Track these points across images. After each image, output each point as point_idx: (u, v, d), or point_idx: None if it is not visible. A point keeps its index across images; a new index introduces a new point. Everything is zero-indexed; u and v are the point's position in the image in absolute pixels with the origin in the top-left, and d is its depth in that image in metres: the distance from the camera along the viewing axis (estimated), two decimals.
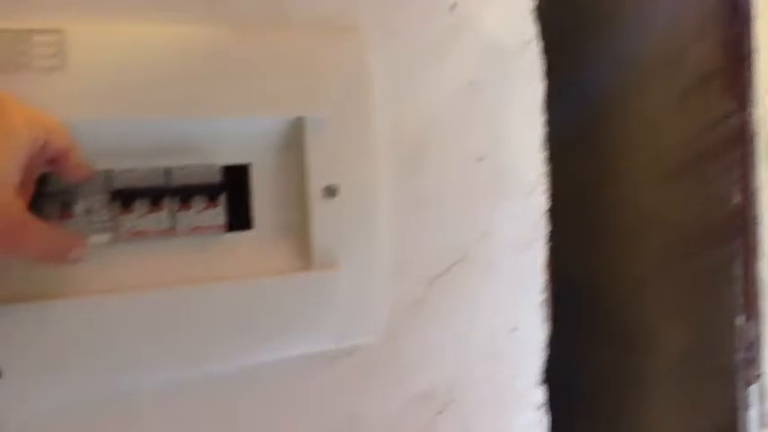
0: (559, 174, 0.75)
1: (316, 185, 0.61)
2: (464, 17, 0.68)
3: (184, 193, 0.58)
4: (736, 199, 0.69)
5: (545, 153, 0.74)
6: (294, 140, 0.62)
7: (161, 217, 0.57)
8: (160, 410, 0.60)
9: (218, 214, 0.59)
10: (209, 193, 0.58)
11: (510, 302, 0.74)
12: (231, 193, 0.60)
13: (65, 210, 0.54)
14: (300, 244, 0.62)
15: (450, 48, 0.68)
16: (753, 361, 0.70)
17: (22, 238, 0.44)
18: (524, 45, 0.72)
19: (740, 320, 0.71)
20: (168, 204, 0.58)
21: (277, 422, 0.64)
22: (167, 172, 0.57)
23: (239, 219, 0.61)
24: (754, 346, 0.70)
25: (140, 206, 0.57)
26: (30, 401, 0.55)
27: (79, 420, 0.57)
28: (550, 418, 0.78)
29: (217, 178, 0.59)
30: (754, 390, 0.70)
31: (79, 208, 0.55)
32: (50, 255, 0.47)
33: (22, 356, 0.52)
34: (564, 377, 0.77)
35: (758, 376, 0.70)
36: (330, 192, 0.61)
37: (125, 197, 0.56)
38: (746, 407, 0.71)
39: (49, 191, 0.53)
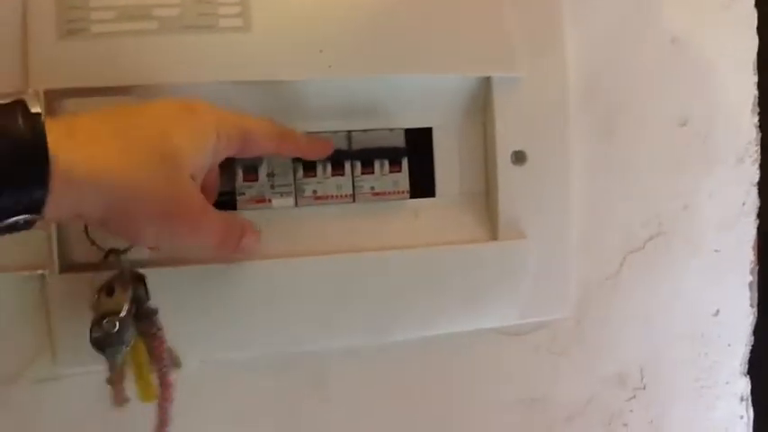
0: None
1: (503, 151, 0.52)
2: None
3: (366, 158, 0.51)
4: None
5: (757, 117, 0.58)
6: (481, 102, 0.53)
7: (343, 181, 0.50)
8: (340, 376, 0.54)
9: (401, 179, 0.51)
10: (391, 157, 0.51)
11: (712, 283, 0.61)
12: (414, 157, 0.52)
13: (251, 173, 0.49)
14: (486, 213, 0.54)
15: (650, 1, 0.55)
16: None
17: (200, 225, 0.41)
18: None
19: None
20: (350, 168, 0.50)
21: (459, 397, 0.57)
22: (349, 135, 0.51)
23: (422, 185, 0.53)
24: None
25: (322, 170, 0.50)
26: (212, 363, 0.50)
27: (259, 381, 0.53)
28: (755, 413, 0.62)
29: (400, 142, 0.51)
30: None
31: (264, 171, 0.48)
32: (225, 243, 0.43)
33: (209, 318, 0.49)
34: None
35: None
36: (519, 158, 0.52)
37: (307, 161, 0.50)
38: None
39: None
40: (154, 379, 0.43)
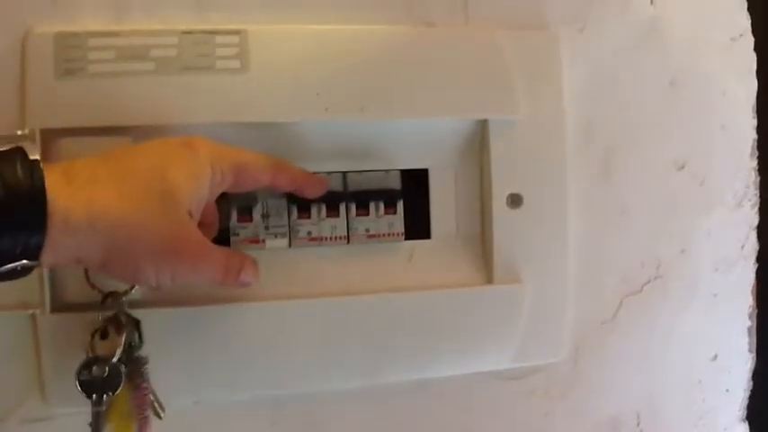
0: None
1: (499, 194, 0.52)
2: (666, 9, 0.56)
3: (361, 199, 0.50)
4: None
5: (756, 161, 0.58)
6: (477, 145, 0.53)
7: (337, 223, 0.50)
8: (331, 419, 0.54)
9: (396, 221, 0.51)
10: (386, 199, 0.51)
11: (710, 328, 0.60)
12: (409, 199, 0.52)
13: (245, 213, 0.48)
14: (481, 256, 0.54)
15: (650, 44, 0.57)
16: None
17: (200, 261, 0.40)
18: (734, 40, 0.58)
19: None
20: (345, 210, 0.50)
21: None
22: (344, 177, 0.50)
23: (417, 227, 0.53)
24: None
25: (317, 212, 0.49)
26: (206, 403, 0.50)
27: (252, 422, 0.52)
28: None
29: (395, 184, 0.51)
30: None
31: (258, 212, 0.48)
32: (225, 278, 0.43)
33: (203, 358, 0.48)
34: None
35: None
36: (515, 201, 0.52)
37: (302, 202, 0.50)
38: None
39: (231, 194, 0.47)
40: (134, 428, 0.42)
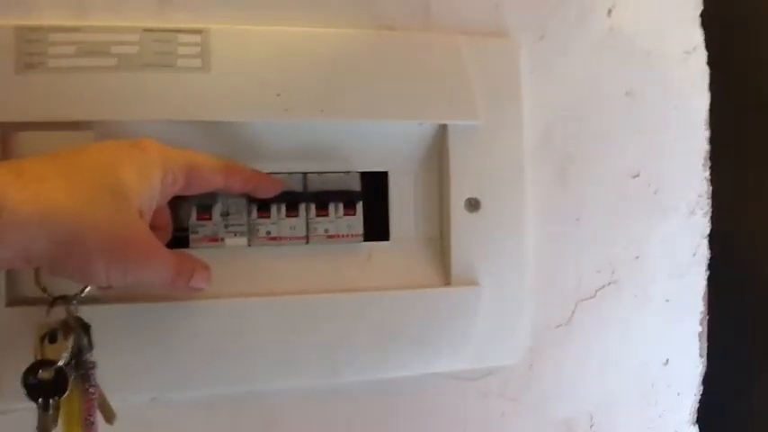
0: (725, 194, 0.61)
1: (457, 197, 0.53)
2: (622, 22, 0.58)
3: (321, 200, 0.51)
4: None
5: (708, 171, 0.60)
6: (437, 149, 0.54)
7: (297, 223, 0.50)
8: (290, 418, 0.54)
9: (355, 222, 0.52)
10: (346, 200, 0.51)
11: (663, 333, 0.62)
12: (369, 201, 0.52)
13: (205, 212, 0.48)
14: (439, 258, 0.54)
15: (607, 54, 0.58)
16: None
17: (151, 261, 0.40)
18: (688, 53, 0.60)
19: None
20: (305, 210, 0.50)
21: None
22: (305, 177, 0.51)
23: (376, 228, 0.53)
24: None
25: (277, 211, 0.50)
26: (163, 401, 0.50)
27: (209, 421, 0.52)
28: None
29: (355, 185, 0.52)
30: None
31: (218, 211, 0.48)
32: (176, 281, 0.43)
33: (161, 355, 0.48)
34: (721, 418, 0.63)
35: None
36: (473, 205, 0.53)
37: (262, 201, 0.50)
38: None
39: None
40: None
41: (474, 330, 0.54)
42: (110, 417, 0.44)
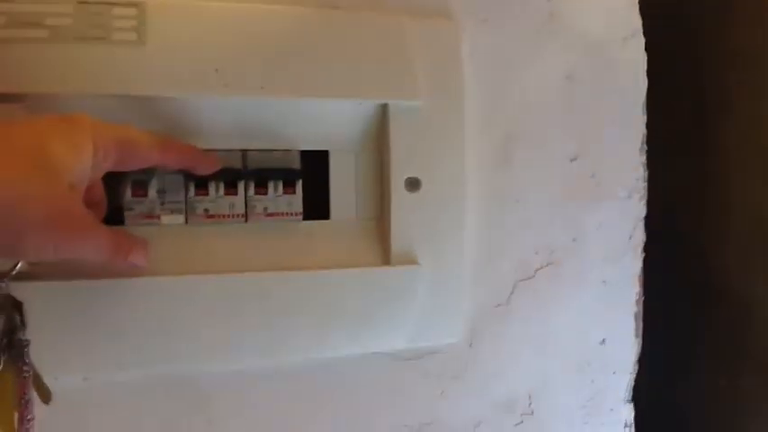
0: (660, 178, 0.63)
1: (397, 177, 0.54)
2: (563, 7, 0.59)
3: (260, 178, 0.51)
4: None
5: (645, 156, 0.62)
6: (378, 129, 0.54)
7: (236, 200, 0.50)
8: (227, 398, 0.54)
9: (294, 201, 0.52)
10: (285, 178, 0.51)
11: (599, 313, 0.64)
12: (309, 180, 0.52)
13: (140, 188, 0.48)
14: (379, 238, 0.55)
15: (547, 39, 0.59)
16: None
17: (84, 236, 0.40)
18: (627, 39, 0.62)
19: None
20: (243, 188, 0.50)
21: (347, 421, 0.57)
22: (244, 154, 0.50)
23: (316, 207, 0.53)
24: None
25: (215, 189, 0.50)
26: (97, 381, 0.50)
27: (143, 402, 0.52)
28: None
29: (295, 164, 0.52)
30: None
31: (154, 188, 0.48)
32: (112, 258, 0.42)
33: (93, 333, 0.48)
34: (656, 396, 0.65)
35: None
36: (413, 184, 0.53)
37: (200, 179, 0.50)
38: None
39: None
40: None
41: (414, 310, 0.54)
42: (46, 396, 0.43)
